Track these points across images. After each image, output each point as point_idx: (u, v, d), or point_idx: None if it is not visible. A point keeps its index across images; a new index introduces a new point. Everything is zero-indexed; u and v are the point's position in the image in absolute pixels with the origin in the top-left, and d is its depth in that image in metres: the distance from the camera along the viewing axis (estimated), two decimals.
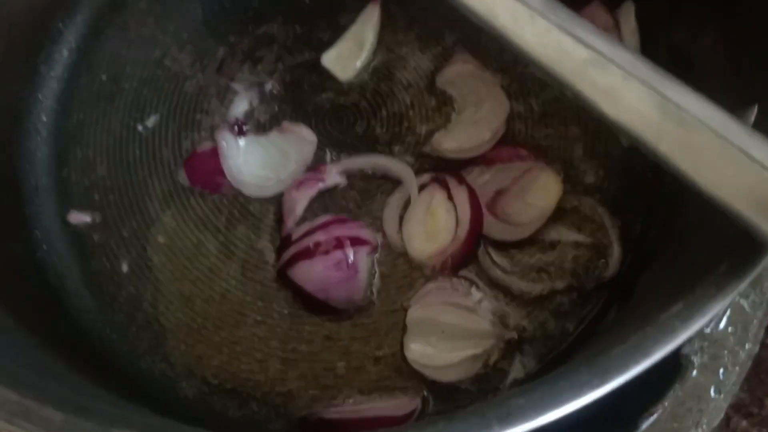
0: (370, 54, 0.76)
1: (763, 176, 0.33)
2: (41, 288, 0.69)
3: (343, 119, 0.74)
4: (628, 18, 0.74)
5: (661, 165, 0.37)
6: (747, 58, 0.56)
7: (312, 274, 0.67)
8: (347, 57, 0.76)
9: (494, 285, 0.68)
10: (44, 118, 0.76)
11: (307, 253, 0.67)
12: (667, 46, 0.70)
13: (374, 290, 0.69)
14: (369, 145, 0.73)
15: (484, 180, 0.70)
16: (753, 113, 0.50)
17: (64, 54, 0.78)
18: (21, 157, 0.74)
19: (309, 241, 0.68)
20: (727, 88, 0.57)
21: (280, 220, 0.71)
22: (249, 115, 0.75)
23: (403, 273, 0.69)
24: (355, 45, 0.76)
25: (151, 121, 0.76)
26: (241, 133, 0.72)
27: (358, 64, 0.75)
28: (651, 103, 0.36)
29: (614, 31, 0.74)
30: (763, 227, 0.33)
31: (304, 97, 0.75)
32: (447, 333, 0.66)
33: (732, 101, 0.54)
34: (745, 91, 0.54)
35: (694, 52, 0.64)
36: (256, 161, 0.72)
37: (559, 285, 0.67)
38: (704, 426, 0.60)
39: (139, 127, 0.76)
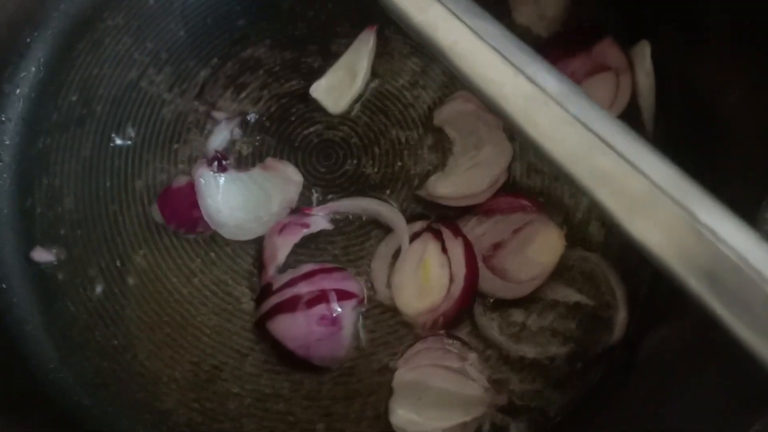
0: (363, 85, 0.70)
1: None
2: None
3: (332, 156, 0.69)
4: (643, 58, 0.68)
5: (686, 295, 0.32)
6: None
7: (293, 328, 0.62)
8: (338, 88, 0.70)
9: (489, 347, 0.64)
10: (7, 142, 0.70)
11: (289, 306, 0.63)
12: (685, 98, 0.64)
13: (359, 347, 0.64)
14: (359, 186, 0.68)
15: (481, 231, 0.66)
16: None
17: (31, 71, 0.72)
18: None
19: (291, 293, 0.63)
20: (755, 162, 0.52)
21: (259, 264, 0.66)
22: (230, 147, 0.69)
23: (390, 329, 0.65)
24: (348, 75, 0.70)
25: (124, 149, 0.70)
26: (221, 168, 0.67)
27: (350, 96, 0.69)
28: (683, 227, 0.31)
29: (628, 71, 0.69)
30: None
31: (290, 130, 0.70)
32: (436, 398, 0.62)
33: (761, 179, 0.50)
34: None
35: (718, 110, 0.58)
36: (237, 201, 0.66)
37: (559, 350, 0.63)
38: None
39: (111, 155, 0.70)
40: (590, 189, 0.35)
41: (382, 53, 0.71)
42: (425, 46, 0.44)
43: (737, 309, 0.30)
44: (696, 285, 0.31)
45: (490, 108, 0.38)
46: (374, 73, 0.71)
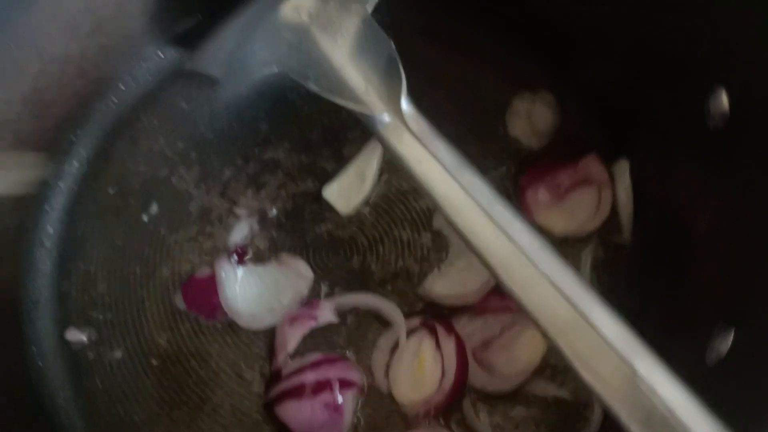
0: (370, 188, 0.78)
1: None
2: (33, 407, 0.70)
3: (340, 252, 0.76)
4: (623, 174, 0.76)
5: None
6: (735, 262, 0.57)
7: (299, 414, 0.69)
8: (348, 190, 0.78)
9: None
10: (50, 230, 0.78)
11: (296, 393, 0.69)
12: (660, 214, 0.71)
13: (357, 430, 0.70)
14: (363, 281, 0.75)
15: (472, 328, 0.72)
16: (730, 336, 0.52)
17: (74, 166, 0.80)
18: (24, 270, 0.76)
19: (298, 380, 0.70)
20: (713, 289, 0.59)
21: (271, 351, 0.73)
22: (248, 241, 0.77)
23: (386, 415, 0.71)
24: (357, 179, 0.78)
25: (155, 239, 0.77)
26: (240, 261, 0.74)
27: (359, 198, 0.77)
28: (624, 380, 0.38)
29: (609, 186, 0.76)
30: None
31: (304, 227, 0.77)
32: None
33: (715, 307, 0.56)
34: (726, 302, 0.56)
35: (688, 229, 0.65)
36: (253, 292, 0.74)
37: None
38: None
39: (141, 244, 0.77)
40: (552, 336, 0.42)
41: (389, 159, 0.79)
42: (423, 193, 0.51)
43: None
44: (635, 429, 0.38)
45: (475, 256, 0.46)
46: (381, 175, 0.78)
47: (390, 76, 0.55)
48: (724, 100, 0.55)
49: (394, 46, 0.57)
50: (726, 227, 0.62)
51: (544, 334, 0.42)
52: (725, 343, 0.51)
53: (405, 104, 0.53)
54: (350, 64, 0.56)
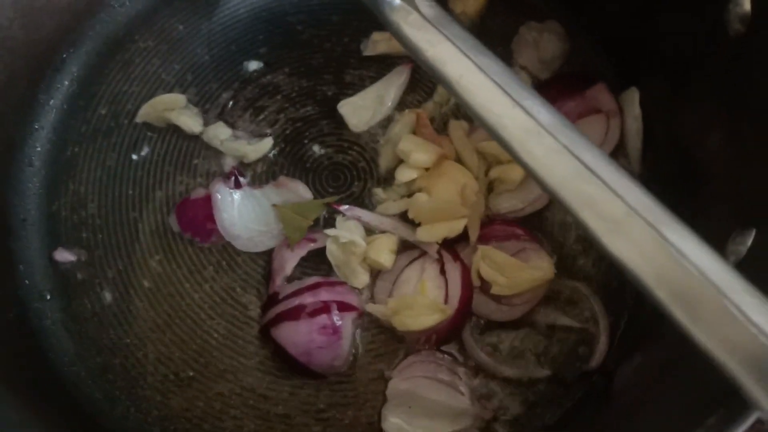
0: (386, 113, 0.75)
1: (758, 340, 0.33)
2: (19, 328, 0.68)
3: (341, 177, 0.74)
4: (632, 104, 0.74)
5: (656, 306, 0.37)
6: (750, 170, 0.56)
7: (296, 336, 0.66)
8: (364, 109, 0.75)
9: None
10: (38, 148, 0.75)
11: (293, 314, 0.67)
12: (670, 141, 0.70)
13: (356, 357, 0.68)
14: (364, 207, 0.73)
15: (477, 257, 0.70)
16: (750, 237, 0.50)
17: (65, 84, 0.77)
18: (11, 187, 0.73)
19: (296, 302, 0.67)
20: (728, 200, 0.57)
21: (267, 275, 0.70)
22: (246, 165, 0.74)
23: (386, 342, 0.69)
24: (376, 100, 0.75)
25: (147, 160, 0.75)
26: (237, 185, 0.72)
27: (374, 119, 0.75)
28: (653, 245, 0.36)
29: (617, 115, 0.74)
30: (751, 390, 0.33)
31: (303, 152, 0.75)
32: (426, 408, 0.65)
33: (732, 216, 0.55)
34: (744, 208, 0.54)
35: (698, 154, 0.64)
36: (250, 215, 0.71)
37: (541, 373, 0.67)
38: None
39: (134, 166, 0.75)
40: (575, 210, 0.39)
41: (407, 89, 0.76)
42: (435, 77, 0.49)
43: (697, 317, 0.35)
44: (663, 296, 0.36)
45: (491, 135, 0.43)
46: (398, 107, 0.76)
47: None
48: (745, 1, 0.53)
49: None
50: (740, 143, 0.60)
51: (567, 209, 0.40)
52: (744, 244, 0.49)
53: None
54: None
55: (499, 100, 0.43)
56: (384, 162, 0.73)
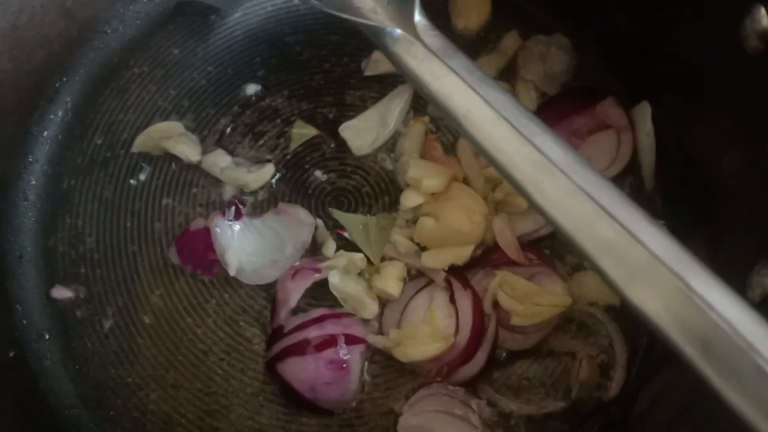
0: (388, 135, 0.73)
1: None
2: (18, 370, 0.66)
3: (344, 203, 0.72)
4: (644, 119, 0.71)
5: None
6: None
7: (302, 371, 0.64)
8: (367, 131, 0.73)
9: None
10: (33, 182, 0.73)
11: (299, 349, 0.65)
12: (684, 158, 0.67)
13: (365, 391, 0.66)
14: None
15: (488, 284, 0.67)
16: None
17: (58, 115, 0.75)
18: (6, 223, 0.71)
19: (301, 336, 0.65)
20: (750, 226, 0.55)
21: (272, 308, 0.68)
22: (247, 193, 0.72)
23: (396, 375, 0.66)
24: (378, 121, 0.73)
25: (145, 191, 0.73)
26: (237, 215, 0.69)
27: (377, 142, 0.72)
28: (678, 296, 0.34)
29: (629, 130, 0.72)
30: None
31: (305, 177, 0.73)
32: None
33: (755, 243, 0.52)
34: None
35: (714, 174, 0.61)
36: (252, 247, 0.69)
37: (555, 407, 0.64)
38: None
39: (132, 197, 0.73)
40: (593, 257, 0.37)
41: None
42: (440, 112, 0.47)
43: (727, 375, 0.33)
44: (691, 352, 0.33)
45: (501, 174, 0.41)
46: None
47: None
48: (762, 17, 0.50)
49: None
50: (760, 166, 0.57)
51: (583, 255, 0.38)
52: None
53: (418, 16, 0.48)
54: None
55: (508, 136, 0.41)
56: (403, 177, 0.70)
